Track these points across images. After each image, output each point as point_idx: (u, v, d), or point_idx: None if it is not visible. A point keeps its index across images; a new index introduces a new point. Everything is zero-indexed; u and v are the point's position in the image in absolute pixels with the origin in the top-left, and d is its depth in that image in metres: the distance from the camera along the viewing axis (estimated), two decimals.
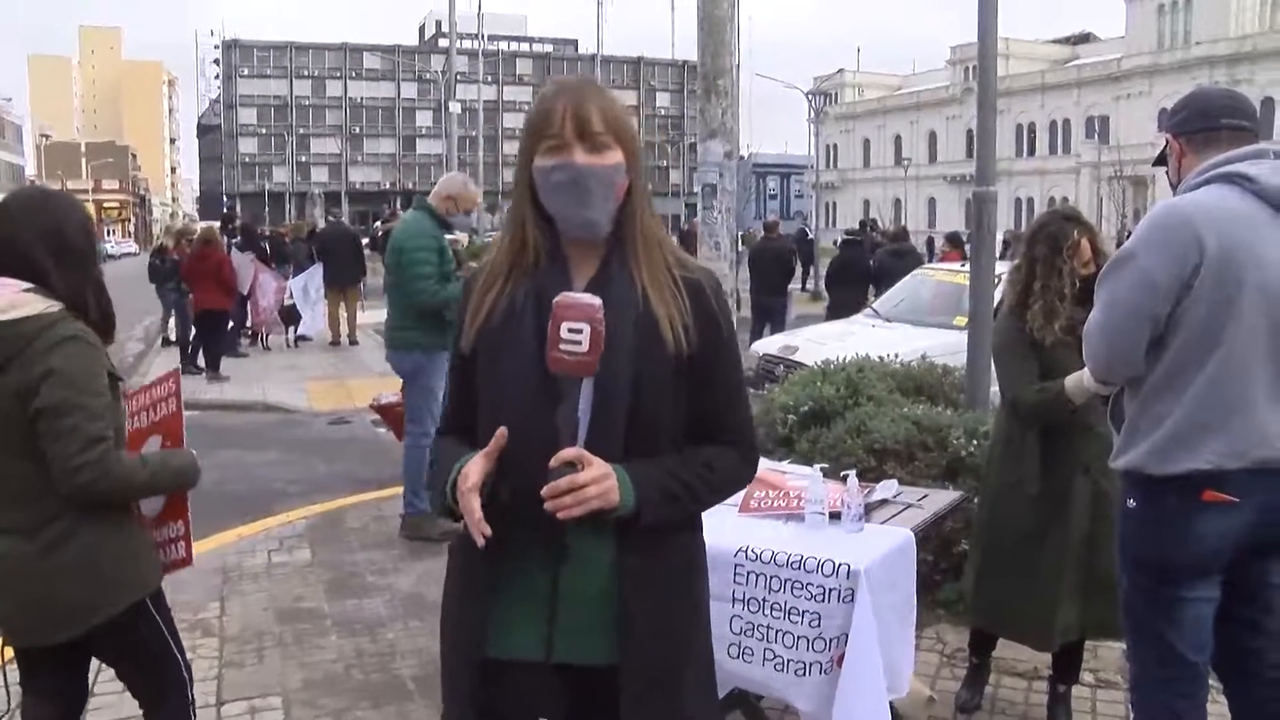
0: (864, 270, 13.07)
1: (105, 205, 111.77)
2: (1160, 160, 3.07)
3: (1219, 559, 2.80)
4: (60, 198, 2.97)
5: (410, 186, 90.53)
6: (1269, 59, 60.89)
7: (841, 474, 3.60)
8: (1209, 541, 2.77)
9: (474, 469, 1.92)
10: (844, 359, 6.89)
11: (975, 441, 5.10)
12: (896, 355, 7.39)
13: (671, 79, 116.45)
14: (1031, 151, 76.60)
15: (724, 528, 3.41)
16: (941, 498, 3.84)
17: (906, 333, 9.43)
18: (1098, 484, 3.73)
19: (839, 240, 14.86)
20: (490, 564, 2.01)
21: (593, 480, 1.88)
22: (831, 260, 13.79)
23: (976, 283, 6.34)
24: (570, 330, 1.89)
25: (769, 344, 10.23)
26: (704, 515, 3.51)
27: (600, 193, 1.99)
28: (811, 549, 3.17)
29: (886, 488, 3.78)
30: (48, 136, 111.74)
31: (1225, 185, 2.73)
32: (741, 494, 3.62)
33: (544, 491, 1.87)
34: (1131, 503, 2.92)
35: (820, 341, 9.46)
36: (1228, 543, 2.77)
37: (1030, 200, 71.63)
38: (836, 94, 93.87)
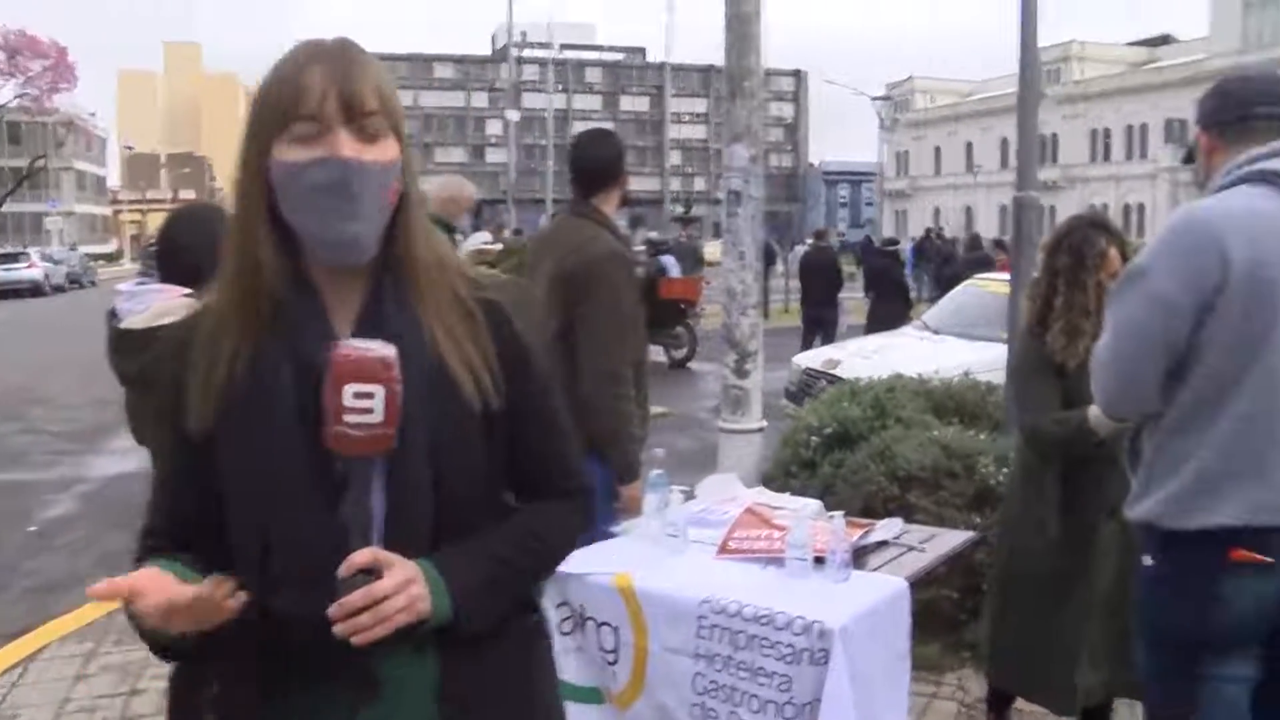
0: (899, 282, 12.64)
1: None
2: (1189, 158, 2.65)
3: (1254, 630, 2.35)
4: (221, 213, 2.95)
5: (480, 195, 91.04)
6: None
7: (830, 514, 3.22)
8: (1239, 609, 2.32)
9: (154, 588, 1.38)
10: (876, 377, 6.49)
11: (1005, 470, 4.66)
12: (936, 371, 6.97)
13: None
14: (1107, 157, 74.88)
15: (693, 571, 3.06)
16: (950, 539, 3.42)
17: (952, 346, 8.98)
18: (1127, 528, 3.30)
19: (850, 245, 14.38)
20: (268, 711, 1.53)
21: (396, 588, 1.43)
22: (865, 271, 13.37)
23: (1017, 291, 5.87)
24: (358, 395, 1.44)
25: (812, 357, 9.78)
26: (676, 555, 3.23)
27: (371, 199, 1.48)
28: (785, 601, 2.79)
29: (888, 527, 3.38)
30: (131, 148, 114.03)
31: (1258, 186, 2.31)
32: (723, 531, 3.27)
33: (332, 612, 1.41)
34: (1148, 561, 2.50)
35: (864, 356, 9.03)
36: (1263, 611, 2.32)
37: (1105, 207, 70.00)
38: (908, 100, 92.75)
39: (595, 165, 4.03)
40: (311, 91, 1.45)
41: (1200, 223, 2.29)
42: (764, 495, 3.72)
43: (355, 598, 1.40)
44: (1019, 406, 3.49)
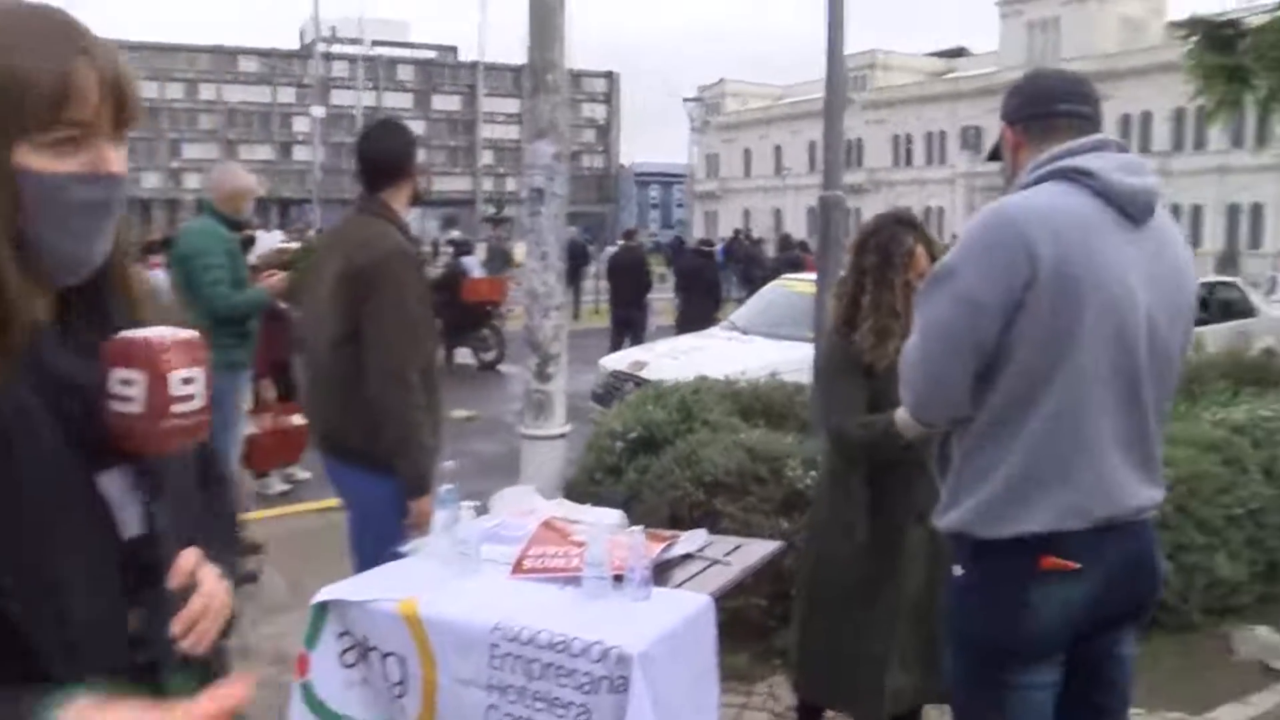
0: (712, 283, 12.68)
1: None
2: (995, 154, 2.59)
3: (1060, 638, 2.30)
4: None
5: (286, 194, 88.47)
6: (1129, 77, 62.86)
7: (631, 528, 3.05)
8: (1048, 618, 2.26)
9: None
10: (683, 379, 6.39)
11: (813, 473, 4.60)
12: (744, 372, 6.93)
13: None
14: (909, 162, 77.80)
15: (485, 594, 2.84)
16: (756, 549, 3.30)
17: (760, 346, 8.99)
18: (935, 533, 3.25)
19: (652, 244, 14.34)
20: None
21: (216, 586, 1.32)
22: (679, 271, 13.32)
23: (824, 291, 5.83)
24: (184, 381, 1.29)
25: (619, 359, 9.65)
26: (467, 576, 3.00)
27: (116, 214, 1.30)
28: (582, 625, 2.59)
29: (692, 539, 3.23)
30: None
31: (1063, 183, 2.25)
32: (517, 549, 3.06)
33: (177, 628, 1.27)
34: (958, 570, 2.41)
35: (671, 357, 8.95)
36: (1070, 618, 2.28)
37: (908, 209, 72.62)
38: (719, 103, 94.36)
39: (382, 158, 3.77)
40: (85, 92, 1.21)
41: (1007, 220, 2.21)
42: (563, 507, 3.53)
43: (195, 607, 1.28)
44: (825, 409, 3.40)
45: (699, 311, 12.31)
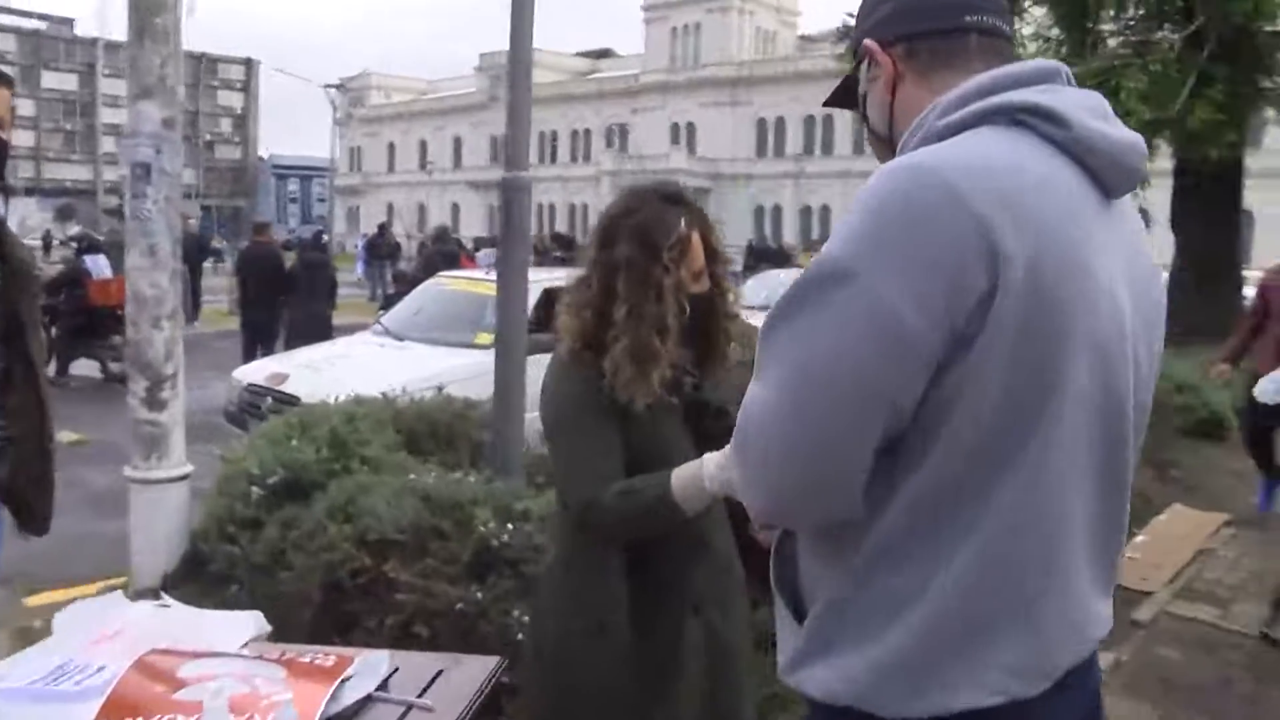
0: (328, 281, 11.37)
1: None
2: (844, 97, 1.72)
3: None
4: None
5: None
6: (764, 84, 66.22)
7: (280, 650, 2.00)
8: None
9: None
10: (335, 397, 5.28)
11: (511, 525, 3.67)
12: (404, 388, 5.91)
13: (187, 73, 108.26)
14: (554, 159, 78.34)
15: None
16: (467, 673, 2.27)
17: (419, 354, 7.94)
18: (712, 626, 2.39)
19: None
20: None
21: None
22: (290, 270, 11.81)
23: (507, 292, 4.88)
24: None
25: (254, 371, 8.25)
26: None
27: None
28: None
29: (369, 668, 2.17)
30: None
31: (1011, 131, 1.39)
32: (91, 711, 1.93)
33: None
34: None
35: (315, 368, 7.71)
36: None
37: (552, 206, 73.34)
38: (362, 96, 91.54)
39: None
40: None
41: (945, 191, 1.29)
42: (169, 619, 2.39)
43: None
44: (564, 472, 2.38)
45: (315, 313, 10.91)
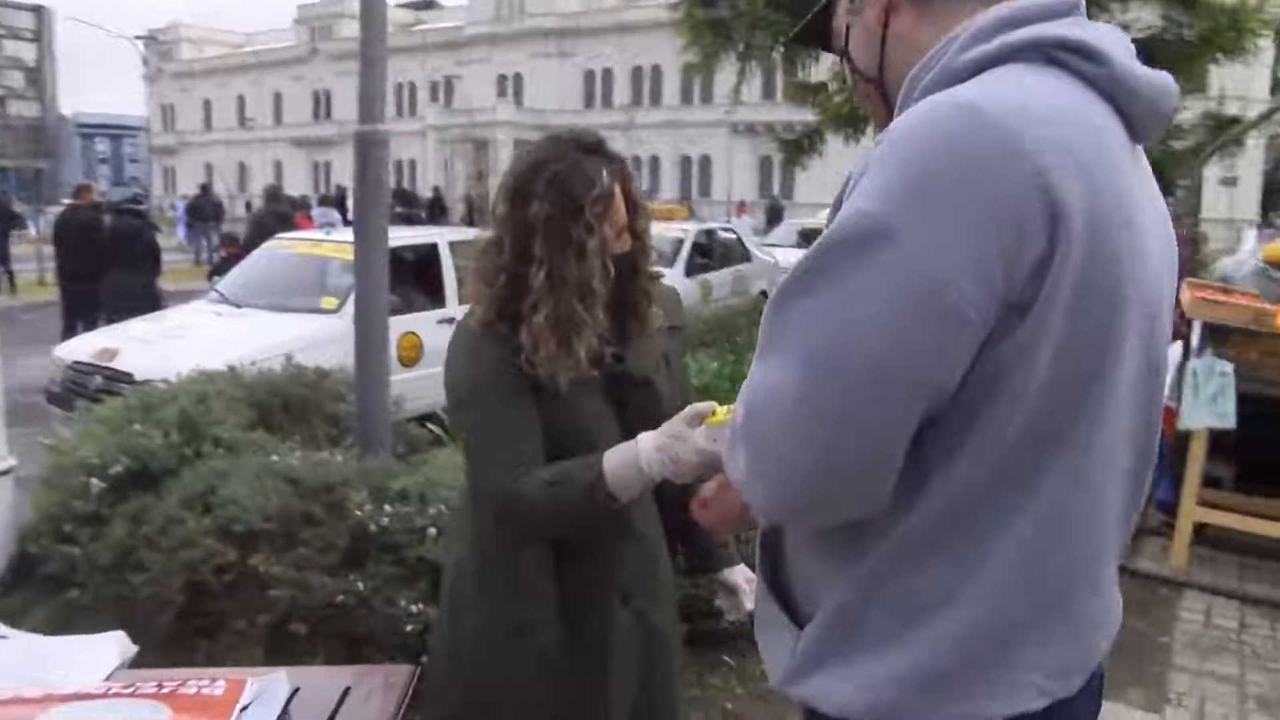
0: (149, 246, 10.56)
1: None
2: (814, 32, 1.49)
3: None
4: None
5: None
6: (591, 35, 65.71)
7: (155, 684, 1.71)
8: None
9: None
10: (177, 375, 4.86)
11: (389, 507, 3.39)
12: (252, 361, 5.52)
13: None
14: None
15: None
16: (379, 682, 2.00)
17: (262, 322, 7.43)
18: (645, 618, 2.18)
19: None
20: None
21: None
22: (102, 236, 10.91)
23: (365, 254, 4.50)
24: None
25: (79, 347, 7.60)
26: None
27: None
28: None
29: (267, 691, 1.85)
30: None
31: (1046, 69, 1.19)
32: None
33: None
34: None
35: (149, 341, 7.13)
36: None
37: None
38: (173, 50, 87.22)
39: None
40: None
41: (998, 132, 1.10)
42: (6, 653, 2.05)
43: None
44: (478, 460, 2.06)
45: (135, 283, 10.12)
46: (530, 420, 2.00)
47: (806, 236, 20.19)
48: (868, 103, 1.42)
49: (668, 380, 2.23)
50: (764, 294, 13.51)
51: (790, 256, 18.05)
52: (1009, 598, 1.20)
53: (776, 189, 50.59)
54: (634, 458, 1.90)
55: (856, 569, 1.26)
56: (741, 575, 2.37)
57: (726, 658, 3.93)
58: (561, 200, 1.97)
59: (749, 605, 2.34)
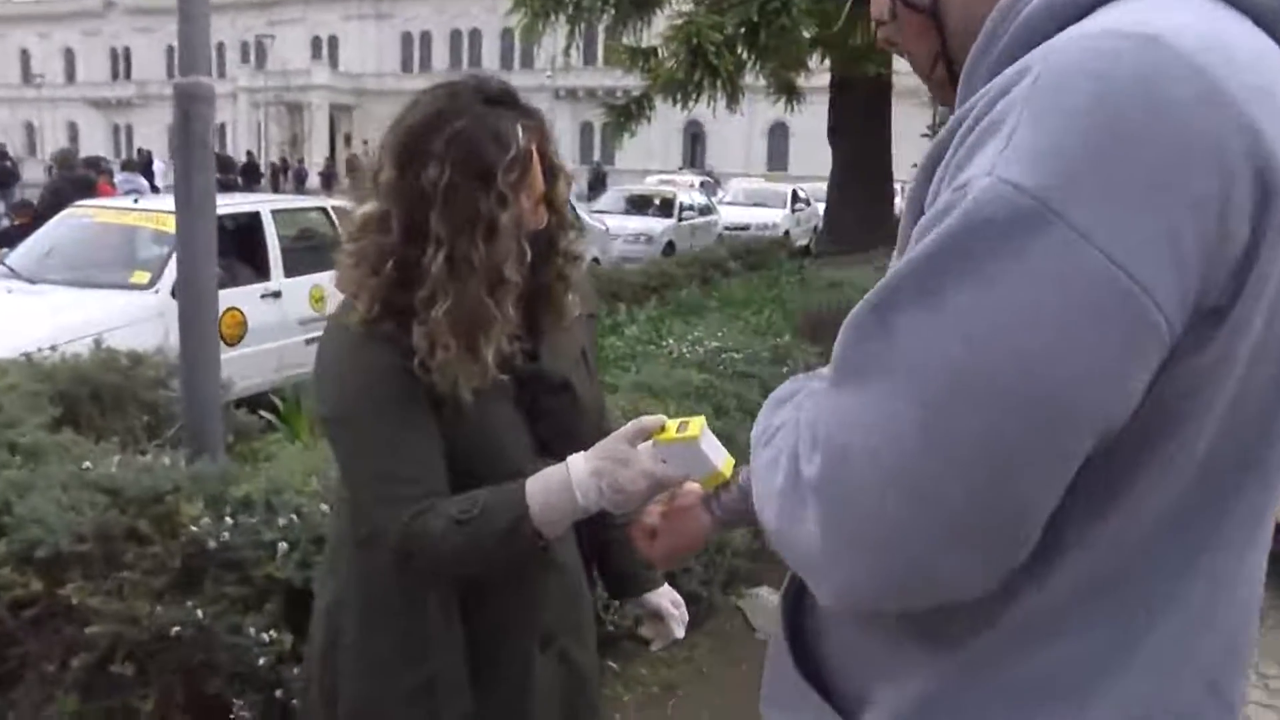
0: None
1: None
2: None
3: None
4: None
5: None
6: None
7: None
8: None
9: None
10: None
11: (231, 519, 2.92)
12: (53, 345, 4.91)
13: None
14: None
15: None
16: None
17: (64, 300, 6.67)
18: (568, 658, 1.82)
19: None
20: None
21: None
22: None
23: (190, 223, 3.89)
24: None
25: None
26: None
27: None
28: None
29: None
30: None
31: (1213, 5, 0.87)
32: None
33: None
34: None
35: None
36: None
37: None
38: None
39: None
40: None
41: (1195, 76, 0.78)
42: None
43: None
44: (366, 490, 1.64)
45: None
46: (430, 439, 1.59)
47: (635, 203, 19.96)
48: (913, 43, 1.08)
49: (587, 381, 1.85)
50: (596, 260, 13.16)
51: (625, 223, 17.82)
52: (1169, 676, 0.93)
53: (597, 155, 50.43)
54: (566, 486, 1.52)
55: (954, 648, 0.94)
56: (667, 598, 2.03)
57: (611, 663, 3.62)
58: (467, 164, 1.55)
59: (678, 631, 2.03)
